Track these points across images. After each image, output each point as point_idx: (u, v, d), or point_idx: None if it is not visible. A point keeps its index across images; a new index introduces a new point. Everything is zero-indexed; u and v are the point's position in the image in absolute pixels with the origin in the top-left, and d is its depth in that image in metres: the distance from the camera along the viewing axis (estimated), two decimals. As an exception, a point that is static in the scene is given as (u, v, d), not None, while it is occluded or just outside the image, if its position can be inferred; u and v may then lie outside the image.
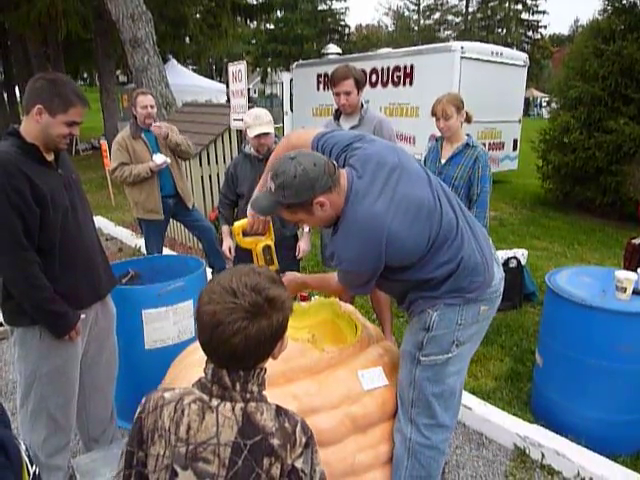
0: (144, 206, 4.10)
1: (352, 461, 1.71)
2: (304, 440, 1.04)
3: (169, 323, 2.73)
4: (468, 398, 2.86)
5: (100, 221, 7.23)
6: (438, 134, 3.18)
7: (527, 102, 34.49)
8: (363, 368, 1.82)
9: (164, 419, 1.05)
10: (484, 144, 9.31)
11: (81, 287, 2.10)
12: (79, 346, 2.15)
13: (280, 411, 1.06)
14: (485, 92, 8.72)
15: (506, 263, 4.13)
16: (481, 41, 24.10)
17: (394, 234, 1.53)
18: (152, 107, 3.93)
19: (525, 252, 4.24)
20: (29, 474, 0.93)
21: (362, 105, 3.06)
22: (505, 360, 3.43)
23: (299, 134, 1.95)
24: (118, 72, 19.12)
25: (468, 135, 3.09)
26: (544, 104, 30.85)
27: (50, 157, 1.99)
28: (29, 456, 0.95)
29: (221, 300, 1.00)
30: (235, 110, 4.67)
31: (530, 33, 40.76)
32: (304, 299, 2.34)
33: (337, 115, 3.15)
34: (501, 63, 9.09)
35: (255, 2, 15.03)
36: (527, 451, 2.52)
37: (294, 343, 1.80)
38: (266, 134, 3.05)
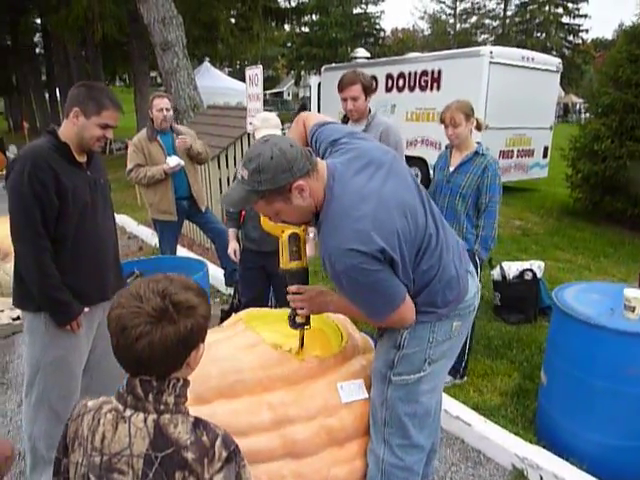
0: (158, 207, 4.16)
1: (326, 474, 1.67)
2: (225, 454, 1.01)
3: (168, 324, 2.75)
4: (468, 414, 2.78)
5: (124, 219, 7.40)
6: None
7: (566, 108, 33.58)
8: (344, 380, 1.78)
9: (84, 427, 1.05)
10: (512, 151, 9.11)
11: (87, 284, 2.18)
12: (82, 341, 2.21)
13: (199, 424, 1.03)
14: (515, 98, 8.53)
15: (521, 275, 4.02)
16: (518, 45, 23.63)
17: (386, 224, 1.40)
18: (168, 110, 3.99)
19: (542, 264, 4.11)
20: None
21: (370, 111, 3.02)
22: (513, 375, 3.32)
23: (309, 115, 1.86)
24: (154, 74, 19.58)
25: (478, 143, 3.01)
26: (583, 110, 29.96)
27: (82, 159, 2.13)
28: None
29: (127, 304, 0.99)
30: (251, 114, 4.70)
31: (571, 37, 39.70)
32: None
33: (345, 120, 3.12)
34: (532, 68, 8.86)
35: (287, 6, 15.15)
36: (525, 472, 2.43)
37: (273, 351, 1.78)
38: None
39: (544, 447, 2.52)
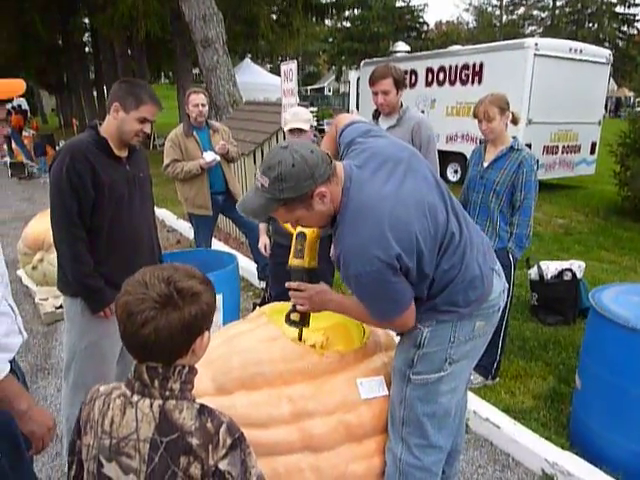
0: (194, 202, 4.24)
1: (344, 470, 1.67)
2: (229, 441, 1.02)
3: (198, 316, 2.81)
4: (498, 416, 2.72)
5: (164, 213, 7.60)
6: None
7: (618, 102, 32.10)
8: (364, 376, 1.77)
9: (95, 411, 1.08)
10: (557, 147, 8.80)
11: (120, 274, 2.22)
12: (116, 328, 2.29)
13: (204, 410, 1.05)
14: (561, 91, 8.25)
15: (560, 275, 3.88)
16: (569, 37, 22.71)
17: (403, 225, 1.38)
18: (203, 105, 4.05)
19: (582, 264, 3.95)
20: None
21: (402, 105, 2.97)
22: (548, 379, 3.22)
23: (342, 117, 1.84)
24: (197, 71, 20.02)
25: (514, 138, 2.91)
26: (636, 104, 28.56)
27: (122, 153, 2.20)
28: None
29: (133, 291, 1.02)
30: (285, 109, 4.72)
31: (625, 28, 37.86)
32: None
33: (376, 115, 3.09)
34: (580, 60, 8.53)
35: (327, 0, 15.09)
36: (555, 479, 2.35)
37: (293, 345, 1.79)
38: (301, 130, 3.05)
39: (577, 454, 2.43)
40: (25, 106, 22.67)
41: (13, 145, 12.42)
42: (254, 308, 3.70)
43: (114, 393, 1.08)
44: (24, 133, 14.70)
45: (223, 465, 1.01)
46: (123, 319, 1.02)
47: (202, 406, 1.06)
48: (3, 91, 1.33)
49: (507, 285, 1.71)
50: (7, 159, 12.10)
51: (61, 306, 4.16)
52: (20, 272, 4.90)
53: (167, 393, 1.04)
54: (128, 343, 1.04)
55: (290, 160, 1.36)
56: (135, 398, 1.05)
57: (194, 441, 1.00)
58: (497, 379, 3.15)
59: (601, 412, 2.40)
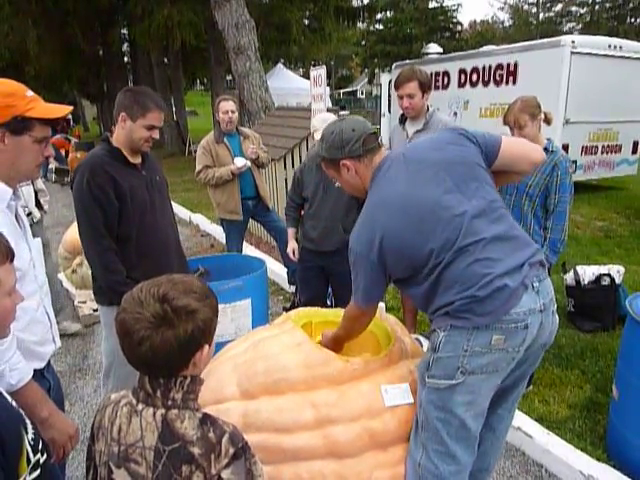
0: (225, 207, 4.32)
1: (369, 477, 1.66)
2: (232, 451, 1.02)
3: (227, 320, 2.86)
4: (531, 425, 2.65)
5: (199, 218, 7.75)
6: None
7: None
8: (389, 383, 1.76)
9: (105, 418, 1.11)
10: (596, 147, 8.53)
11: (153, 277, 2.30)
12: None
13: (206, 420, 1.05)
14: (600, 90, 7.97)
15: (597, 280, 3.75)
16: (609, 33, 21.90)
17: (391, 230, 1.56)
18: (233, 112, 4.13)
19: (621, 269, 3.81)
20: (29, 462, 1.01)
21: (428, 108, 2.94)
22: (585, 387, 3.11)
23: None
24: (230, 77, 20.35)
25: (548, 139, 2.84)
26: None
27: (136, 160, 2.26)
28: (35, 444, 1.04)
29: (129, 310, 1.02)
30: (315, 114, 4.74)
31: (671, 21, 36.24)
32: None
33: (402, 119, 3.07)
34: (620, 57, 8.22)
35: (359, 4, 15.09)
36: (590, 491, 2.27)
37: (318, 351, 1.80)
38: None
39: (613, 466, 2.35)
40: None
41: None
42: (285, 312, 3.73)
43: (122, 401, 1.11)
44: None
45: (226, 474, 1.02)
46: (121, 336, 1.04)
47: (205, 415, 1.07)
48: (47, 112, 1.40)
49: (544, 304, 1.60)
50: (52, 165, 12.49)
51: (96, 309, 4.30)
52: (61, 275, 5.09)
53: (169, 403, 1.05)
54: (129, 359, 1.06)
55: (332, 128, 1.70)
56: (140, 407, 1.07)
57: (196, 450, 1.01)
58: (531, 387, 3.06)
59: (638, 423, 2.31)
